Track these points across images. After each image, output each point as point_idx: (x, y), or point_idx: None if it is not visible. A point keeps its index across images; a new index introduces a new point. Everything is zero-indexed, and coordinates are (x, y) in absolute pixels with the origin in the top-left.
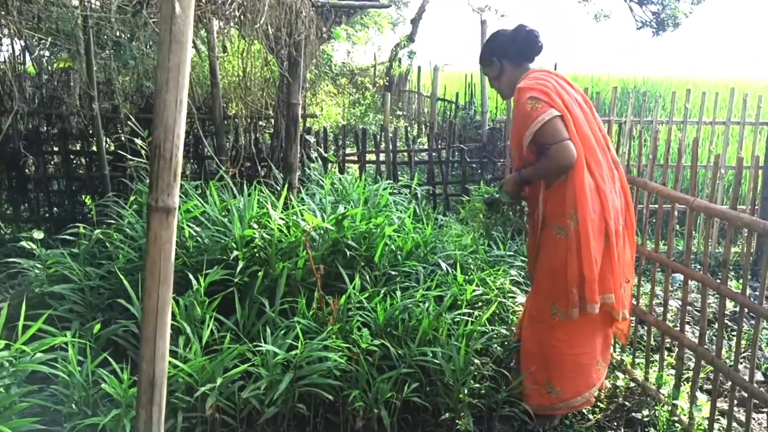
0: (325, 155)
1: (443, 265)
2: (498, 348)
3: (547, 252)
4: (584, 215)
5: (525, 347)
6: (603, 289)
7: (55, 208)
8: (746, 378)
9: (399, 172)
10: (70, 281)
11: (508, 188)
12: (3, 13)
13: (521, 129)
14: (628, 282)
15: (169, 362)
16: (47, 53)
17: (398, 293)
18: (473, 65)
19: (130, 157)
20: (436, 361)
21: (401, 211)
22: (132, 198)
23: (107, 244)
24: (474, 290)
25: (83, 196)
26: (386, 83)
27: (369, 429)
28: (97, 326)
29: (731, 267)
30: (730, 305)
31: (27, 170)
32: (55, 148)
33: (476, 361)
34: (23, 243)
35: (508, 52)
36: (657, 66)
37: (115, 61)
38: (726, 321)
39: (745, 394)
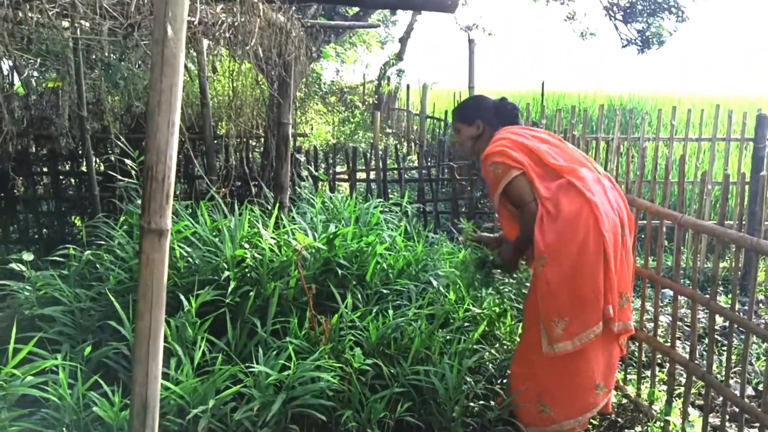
0: (316, 174)
1: (435, 282)
2: (491, 366)
3: (533, 281)
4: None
5: (514, 368)
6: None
7: (44, 230)
8: (737, 393)
9: (389, 190)
10: (60, 303)
11: (506, 257)
12: None
13: (491, 193)
14: (628, 294)
15: (161, 384)
16: (36, 73)
17: (390, 312)
18: (461, 83)
19: (120, 177)
20: (428, 379)
21: (392, 229)
22: (122, 218)
23: (97, 265)
24: (466, 308)
25: (73, 217)
26: (375, 101)
27: None
28: (88, 348)
29: (720, 282)
30: (719, 320)
31: (16, 191)
32: (45, 169)
33: (469, 379)
34: (12, 265)
35: (492, 119)
36: (643, 83)
37: (104, 82)
38: (716, 336)
39: (737, 410)
